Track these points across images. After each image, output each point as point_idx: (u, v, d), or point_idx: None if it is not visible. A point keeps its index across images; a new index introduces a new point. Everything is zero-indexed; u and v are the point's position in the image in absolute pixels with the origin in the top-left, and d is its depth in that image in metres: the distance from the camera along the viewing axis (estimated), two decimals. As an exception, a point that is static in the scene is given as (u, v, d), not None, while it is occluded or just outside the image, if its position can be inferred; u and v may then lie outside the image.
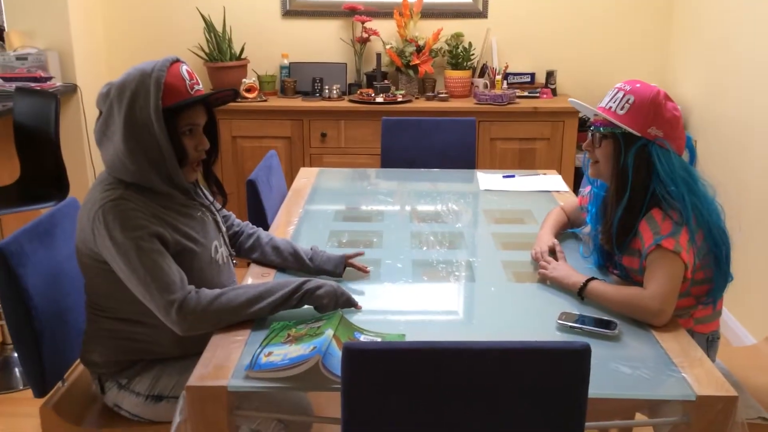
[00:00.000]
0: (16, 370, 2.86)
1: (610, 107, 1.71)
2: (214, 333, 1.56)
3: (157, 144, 1.59)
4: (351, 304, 1.67)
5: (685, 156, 1.74)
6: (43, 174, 2.98)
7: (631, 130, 1.67)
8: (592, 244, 1.89)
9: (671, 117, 1.68)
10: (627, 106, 1.68)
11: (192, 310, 1.54)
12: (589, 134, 1.79)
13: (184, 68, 1.65)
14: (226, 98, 1.75)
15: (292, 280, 1.64)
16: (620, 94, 1.70)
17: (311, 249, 1.91)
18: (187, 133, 1.65)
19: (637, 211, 1.69)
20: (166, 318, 1.56)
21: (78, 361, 1.83)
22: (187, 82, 1.63)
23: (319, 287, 1.63)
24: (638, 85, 1.70)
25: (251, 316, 1.59)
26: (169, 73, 1.60)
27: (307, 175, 2.90)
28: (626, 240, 1.72)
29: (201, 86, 1.68)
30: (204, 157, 1.72)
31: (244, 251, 1.95)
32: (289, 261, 1.89)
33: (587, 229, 1.96)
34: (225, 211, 1.97)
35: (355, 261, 1.89)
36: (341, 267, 1.86)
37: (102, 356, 1.71)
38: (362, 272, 1.87)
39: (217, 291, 1.59)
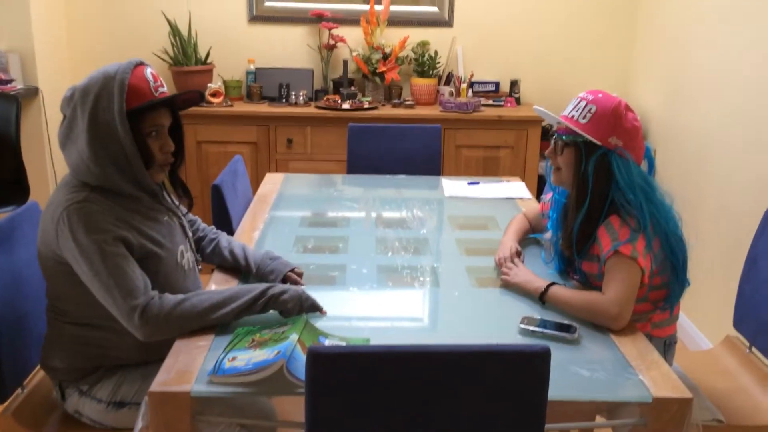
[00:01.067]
0: (-27, 377, 2.79)
1: (573, 116, 1.75)
2: (177, 338, 1.55)
3: (121, 146, 1.58)
4: (316, 308, 1.67)
5: (644, 166, 1.79)
6: (3, 178, 2.93)
7: (592, 138, 1.71)
8: (553, 249, 1.93)
9: (631, 127, 1.72)
10: (589, 115, 1.72)
11: (155, 316, 1.53)
12: (552, 142, 1.82)
13: (148, 71, 1.64)
14: (191, 100, 1.75)
15: (256, 286, 1.64)
16: (582, 104, 1.74)
17: (264, 255, 1.90)
18: (152, 135, 1.64)
19: (596, 218, 1.73)
20: (128, 323, 1.54)
21: (38, 367, 1.80)
22: (152, 84, 1.62)
23: (283, 292, 1.63)
24: (600, 96, 1.74)
25: (215, 321, 1.58)
26: (134, 75, 1.59)
27: (272, 181, 2.90)
28: (586, 246, 1.76)
29: (165, 88, 1.67)
30: (171, 160, 1.71)
31: (206, 256, 1.94)
32: (242, 266, 1.89)
33: (548, 235, 2.00)
34: (191, 216, 1.97)
35: (295, 276, 1.84)
36: (281, 280, 1.83)
37: (63, 362, 1.68)
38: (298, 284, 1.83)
39: (180, 296, 1.58)
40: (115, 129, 1.57)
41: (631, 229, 1.67)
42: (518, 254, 1.98)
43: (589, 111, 1.72)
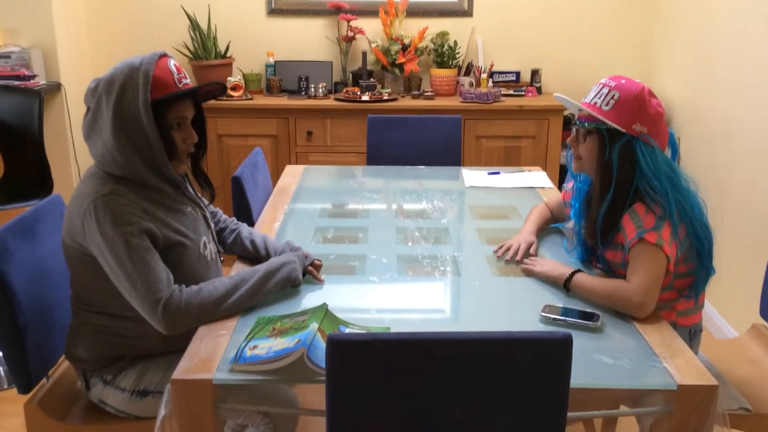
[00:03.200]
0: (0, 369, 2.84)
1: (595, 103, 1.72)
2: (199, 327, 1.56)
3: (146, 137, 1.59)
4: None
5: (668, 152, 1.76)
6: (27, 172, 2.96)
7: (616, 126, 1.68)
8: (576, 238, 1.91)
9: (655, 113, 1.69)
10: (612, 101, 1.69)
11: (176, 309, 1.54)
12: (574, 129, 1.80)
13: (171, 62, 1.65)
14: (214, 92, 1.76)
15: (258, 268, 1.70)
16: (605, 90, 1.71)
17: (285, 245, 1.91)
18: (175, 126, 1.65)
19: (620, 206, 1.70)
20: (151, 316, 1.55)
21: (63, 357, 1.82)
22: (175, 75, 1.64)
23: (282, 266, 1.71)
24: (623, 81, 1.71)
25: (232, 307, 1.60)
26: (157, 66, 1.60)
27: (292, 173, 2.91)
28: (610, 234, 1.74)
29: (189, 80, 1.68)
30: (192, 150, 1.72)
31: (228, 247, 1.95)
32: (263, 256, 1.90)
33: (571, 224, 1.98)
34: (213, 208, 1.98)
35: (314, 271, 1.84)
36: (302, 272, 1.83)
37: (87, 352, 1.70)
38: (317, 280, 1.83)
39: (196, 287, 1.60)
40: (140, 119, 1.58)
41: (657, 217, 1.64)
42: (531, 246, 1.96)
43: (612, 97, 1.69)
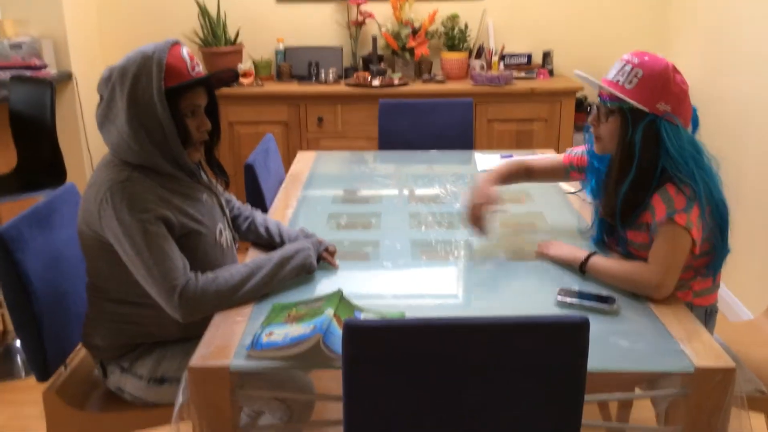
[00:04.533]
0: (18, 358, 2.87)
1: (618, 81, 1.67)
2: (215, 314, 1.56)
3: (160, 124, 1.59)
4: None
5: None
6: (40, 162, 2.98)
7: (639, 105, 1.63)
8: (594, 217, 1.89)
9: (679, 91, 1.64)
10: (635, 80, 1.64)
11: (192, 296, 1.55)
12: (595, 108, 1.75)
13: (184, 50, 1.65)
14: (227, 79, 1.76)
15: (273, 255, 1.70)
16: (628, 67, 1.65)
17: (299, 232, 1.91)
18: (189, 114, 1.65)
19: (646, 186, 1.65)
20: (167, 303, 1.56)
21: (80, 345, 1.83)
22: (188, 63, 1.64)
23: (296, 252, 1.72)
24: (646, 58, 1.65)
25: (247, 294, 1.61)
26: (170, 54, 1.60)
27: (304, 159, 2.90)
28: (634, 214, 1.69)
29: (201, 68, 1.68)
30: (206, 138, 1.72)
31: (242, 233, 1.96)
32: (277, 243, 1.90)
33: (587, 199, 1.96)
34: (227, 195, 1.98)
35: (329, 256, 1.84)
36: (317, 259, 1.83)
37: (104, 340, 1.71)
38: (332, 266, 1.83)
39: (212, 274, 1.60)
40: (154, 107, 1.58)
41: (687, 198, 1.60)
42: (492, 202, 1.88)
43: (635, 75, 1.64)
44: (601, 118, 1.72)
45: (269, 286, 1.65)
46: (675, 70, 1.65)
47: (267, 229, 1.93)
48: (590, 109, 1.79)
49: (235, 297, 1.59)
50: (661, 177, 1.65)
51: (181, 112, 1.63)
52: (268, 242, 1.92)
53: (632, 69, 1.65)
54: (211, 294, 1.57)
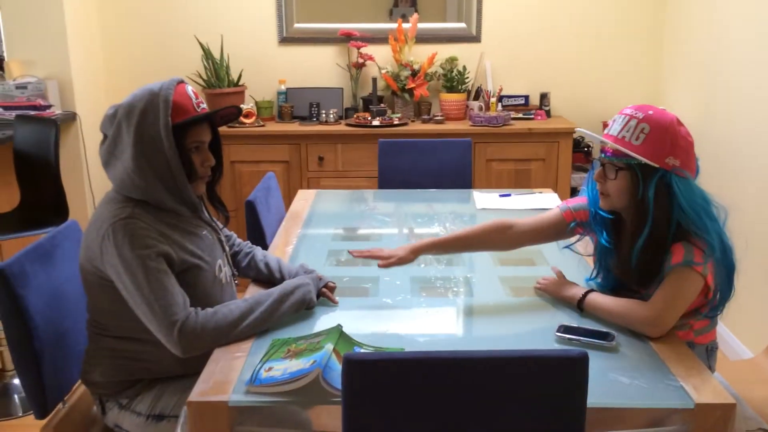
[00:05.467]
0: (16, 396, 2.85)
1: (624, 137, 1.62)
2: (214, 350, 1.57)
3: (166, 160, 1.62)
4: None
5: None
6: (43, 200, 3.00)
7: (649, 161, 1.59)
8: (600, 273, 1.82)
9: (686, 144, 1.62)
10: (642, 136, 1.60)
11: (192, 331, 1.55)
12: (599, 164, 1.71)
13: (189, 88, 1.69)
14: (230, 116, 1.80)
15: (273, 290, 1.71)
16: (633, 123, 1.61)
17: (299, 268, 1.92)
18: (193, 149, 1.68)
19: (662, 243, 1.62)
20: (167, 339, 1.56)
21: (78, 383, 1.83)
22: (194, 100, 1.68)
23: (296, 288, 1.73)
24: (651, 112, 1.62)
25: (247, 330, 1.61)
26: (176, 92, 1.64)
27: (305, 197, 2.93)
28: (652, 276, 1.65)
29: (205, 105, 1.72)
30: (209, 173, 1.75)
31: (242, 270, 1.97)
32: (277, 279, 1.91)
33: (587, 249, 1.94)
34: (227, 231, 2.00)
35: (328, 292, 1.85)
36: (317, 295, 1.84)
37: (103, 376, 1.71)
38: (332, 302, 1.84)
39: (211, 310, 1.61)
40: (161, 143, 1.61)
41: (704, 252, 1.59)
42: (392, 260, 1.87)
43: (642, 131, 1.60)
44: (608, 175, 1.67)
45: (268, 322, 1.65)
46: (680, 123, 1.64)
47: (267, 265, 1.94)
48: (593, 163, 1.74)
49: (234, 332, 1.60)
50: (676, 233, 1.63)
51: (186, 148, 1.66)
52: (268, 278, 1.93)
53: (638, 124, 1.61)
54: (210, 329, 1.57)
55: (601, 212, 1.77)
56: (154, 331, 1.58)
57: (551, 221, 1.92)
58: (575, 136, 3.74)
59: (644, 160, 1.60)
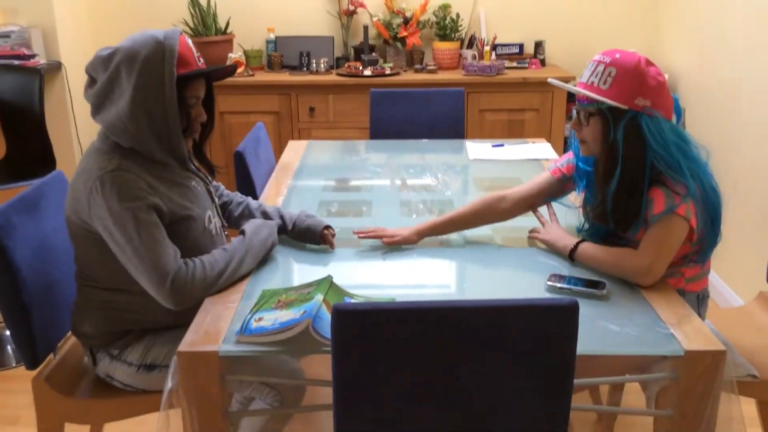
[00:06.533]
0: (9, 347, 2.86)
1: (592, 82, 1.64)
2: (204, 300, 1.56)
3: (164, 110, 1.58)
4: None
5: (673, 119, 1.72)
6: (29, 151, 2.96)
7: (617, 104, 1.61)
8: (589, 224, 1.83)
9: (656, 84, 1.62)
10: (609, 79, 1.61)
11: (183, 283, 1.54)
12: (574, 112, 1.73)
13: (189, 40, 1.66)
14: (226, 74, 1.78)
15: (240, 237, 1.73)
16: (600, 68, 1.63)
17: (300, 214, 1.91)
18: (191, 103, 1.65)
19: (637, 185, 1.63)
20: (158, 292, 1.55)
21: (69, 333, 1.82)
22: (195, 53, 1.64)
23: (259, 227, 1.76)
24: (618, 56, 1.63)
25: (231, 275, 1.62)
26: (180, 42, 1.60)
27: (295, 148, 2.89)
28: (637, 220, 1.65)
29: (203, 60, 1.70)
30: (199, 130, 1.73)
31: (234, 219, 1.94)
32: (278, 224, 1.89)
33: (577, 201, 1.93)
34: (215, 183, 1.97)
35: (329, 237, 1.86)
36: (318, 239, 1.86)
37: (93, 327, 1.70)
38: (329, 246, 1.85)
39: (198, 261, 1.60)
40: (161, 93, 1.57)
41: (681, 196, 1.59)
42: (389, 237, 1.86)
43: (609, 75, 1.62)
44: (582, 122, 1.70)
45: (246, 263, 1.66)
46: (649, 63, 1.63)
47: (264, 213, 1.93)
48: (572, 113, 1.76)
49: (220, 281, 1.59)
50: (651, 175, 1.63)
51: (185, 101, 1.62)
52: None
53: (605, 68, 1.62)
54: (199, 280, 1.56)
55: (581, 164, 1.79)
56: (144, 284, 1.57)
57: (543, 184, 1.93)
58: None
59: (612, 102, 1.61)
